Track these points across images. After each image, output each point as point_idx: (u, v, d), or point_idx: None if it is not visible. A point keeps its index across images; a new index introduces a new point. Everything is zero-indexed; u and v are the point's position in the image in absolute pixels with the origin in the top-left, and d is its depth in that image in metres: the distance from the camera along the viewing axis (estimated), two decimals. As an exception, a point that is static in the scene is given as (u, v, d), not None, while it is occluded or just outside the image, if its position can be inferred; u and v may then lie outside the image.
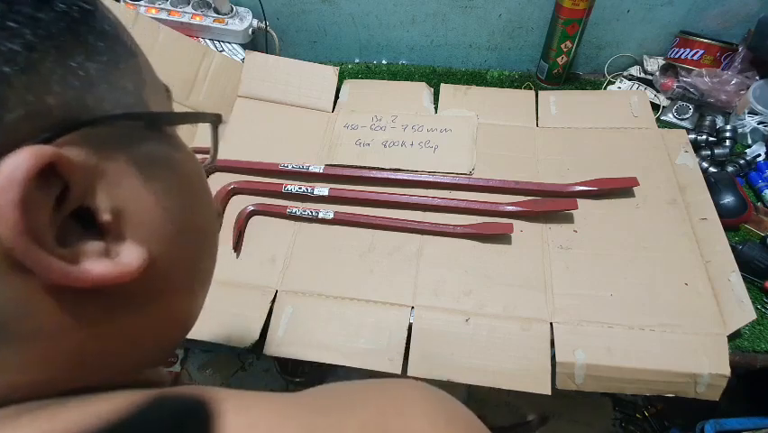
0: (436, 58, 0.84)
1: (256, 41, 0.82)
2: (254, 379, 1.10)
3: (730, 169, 0.64)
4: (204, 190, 0.21)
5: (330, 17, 0.80)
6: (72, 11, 0.15)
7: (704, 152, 0.66)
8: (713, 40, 0.70)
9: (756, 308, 0.50)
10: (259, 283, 0.54)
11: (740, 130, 0.67)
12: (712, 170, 0.64)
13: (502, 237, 0.56)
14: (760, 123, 0.66)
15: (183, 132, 0.67)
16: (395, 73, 0.81)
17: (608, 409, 0.85)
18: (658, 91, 0.75)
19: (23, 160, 0.13)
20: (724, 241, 0.53)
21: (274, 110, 0.71)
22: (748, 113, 0.67)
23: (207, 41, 0.76)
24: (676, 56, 0.73)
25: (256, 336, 0.50)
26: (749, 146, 0.67)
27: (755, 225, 0.59)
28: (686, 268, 0.52)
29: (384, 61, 0.86)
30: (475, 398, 1.02)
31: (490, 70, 0.81)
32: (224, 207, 0.61)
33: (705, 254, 0.53)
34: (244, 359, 1.12)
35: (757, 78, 0.69)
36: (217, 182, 0.63)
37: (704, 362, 0.46)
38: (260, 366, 1.11)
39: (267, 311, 0.52)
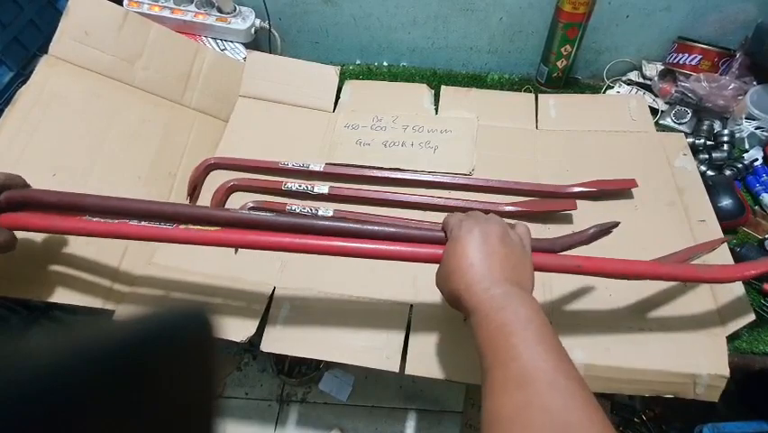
0: (437, 60, 0.84)
1: (258, 41, 0.82)
2: (250, 379, 1.09)
3: (728, 173, 0.64)
4: None
5: (332, 18, 0.81)
6: None
7: (702, 156, 0.66)
8: (711, 45, 0.71)
9: (755, 310, 0.50)
10: (257, 279, 0.54)
11: (738, 134, 0.68)
12: (710, 173, 0.65)
13: (501, 237, 0.56)
14: (757, 127, 0.67)
15: (182, 131, 0.66)
16: (396, 75, 0.82)
17: (606, 413, 0.84)
18: (656, 96, 0.75)
19: None
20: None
21: (275, 109, 0.71)
22: (746, 117, 0.68)
23: (210, 39, 0.77)
24: (674, 61, 0.74)
25: (253, 330, 0.49)
26: (746, 150, 0.68)
27: (753, 227, 0.59)
28: (684, 269, 0.52)
29: (385, 63, 0.86)
30: (474, 398, 1.01)
31: (491, 73, 0.81)
32: (224, 203, 0.61)
33: (704, 256, 0.53)
34: (240, 359, 1.11)
35: (754, 83, 0.70)
36: (217, 180, 0.62)
37: (703, 362, 0.46)
38: (256, 366, 1.11)
39: (265, 306, 0.51)
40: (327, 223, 0.41)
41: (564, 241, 0.42)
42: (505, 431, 0.25)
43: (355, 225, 0.41)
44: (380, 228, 0.41)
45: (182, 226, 0.41)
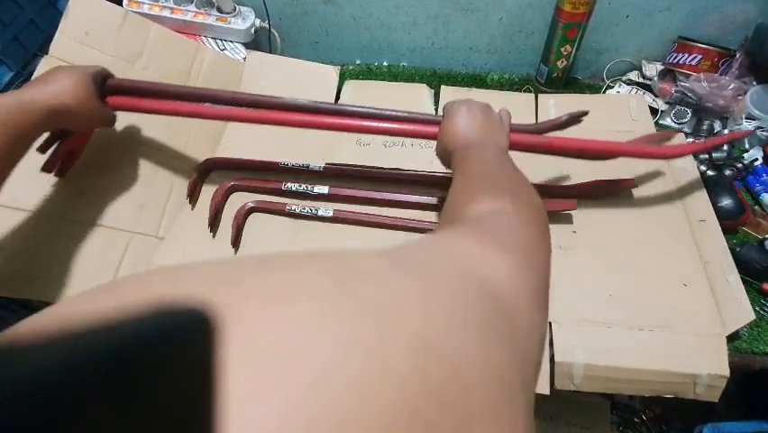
0: (437, 60, 0.84)
1: (258, 41, 0.82)
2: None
3: (728, 172, 0.64)
4: None
5: (332, 18, 0.81)
6: None
7: (702, 156, 0.66)
8: (711, 45, 0.71)
9: (755, 310, 0.50)
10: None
11: (738, 134, 0.68)
12: (710, 173, 0.65)
13: (501, 237, 0.56)
14: (757, 127, 0.67)
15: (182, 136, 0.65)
16: (396, 75, 0.82)
17: (606, 413, 0.84)
18: (656, 96, 0.75)
19: None
20: (722, 242, 0.53)
21: (275, 109, 0.71)
22: (746, 117, 0.68)
23: (210, 39, 0.77)
24: (674, 61, 0.74)
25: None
26: (746, 150, 0.68)
27: (753, 227, 0.59)
28: (685, 269, 0.52)
29: (385, 63, 0.86)
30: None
31: (491, 73, 0.81)
32: (223, 204, 0.61)
33: (703, 255, 0.53)
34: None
35: (754, 83, 0.70)
36: (217, 180, 0.62)
37: (703, 362, 0.46)
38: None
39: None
40: (343, 107, 0.51)
41: (540, 126, 0.52)
42: (458, 213, 0.30)
43: (369, 109, 0.50)
44: (390, 112, 0.50)
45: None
